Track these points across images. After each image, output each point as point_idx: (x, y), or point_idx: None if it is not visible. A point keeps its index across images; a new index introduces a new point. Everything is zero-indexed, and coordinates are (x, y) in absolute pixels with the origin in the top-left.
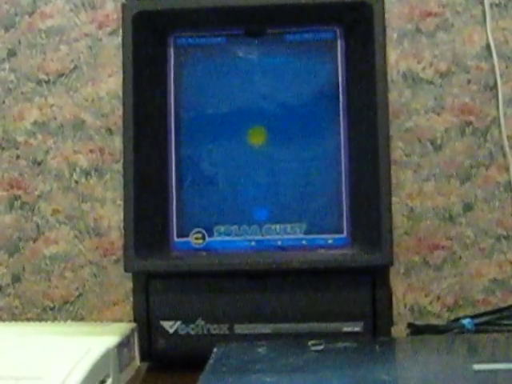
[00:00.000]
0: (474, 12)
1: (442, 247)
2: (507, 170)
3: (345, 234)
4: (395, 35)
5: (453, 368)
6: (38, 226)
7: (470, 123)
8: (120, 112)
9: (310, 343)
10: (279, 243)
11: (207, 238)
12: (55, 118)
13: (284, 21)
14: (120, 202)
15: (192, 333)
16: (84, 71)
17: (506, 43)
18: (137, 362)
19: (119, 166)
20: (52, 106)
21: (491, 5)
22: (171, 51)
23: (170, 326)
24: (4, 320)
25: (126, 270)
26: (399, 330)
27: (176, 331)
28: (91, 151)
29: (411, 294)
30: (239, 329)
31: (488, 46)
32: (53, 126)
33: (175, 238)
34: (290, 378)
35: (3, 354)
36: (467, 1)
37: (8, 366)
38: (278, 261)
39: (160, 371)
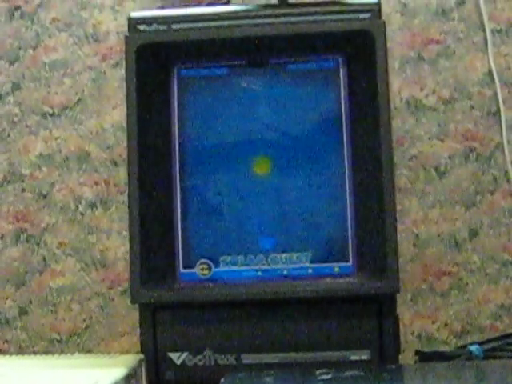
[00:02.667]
0: (475, 39)
1: (449, 273)
2: None
3: (351, 262)
4: (397, 63)
5: None
6: (44, 258)
7: (473, 149)
8: (125, 144)
9: (317, 372)
10: (285, 272)
11: (213, 269)
12: (60, 151)
13: (286, 51)
14: (126, 234)
15: (199, 363)
16: (88, 104)
17: (508, 69)
18: None
19: (124, 198)
20: (57, 138)
21: (492, 31)
22: (174, 82)
23: (177, 357)
24: (11, 353)
25: (132, 302)
26: (407, 358)
27: (183, 362)
28: (96, 183)
29: (418, 321)
30: (247, 359)
31: (490, 72)
32: (58, 159)
33: (181, 269)
34: None
35: None
36: (468, 27)
37: None
38: (285, 290)
39: None
